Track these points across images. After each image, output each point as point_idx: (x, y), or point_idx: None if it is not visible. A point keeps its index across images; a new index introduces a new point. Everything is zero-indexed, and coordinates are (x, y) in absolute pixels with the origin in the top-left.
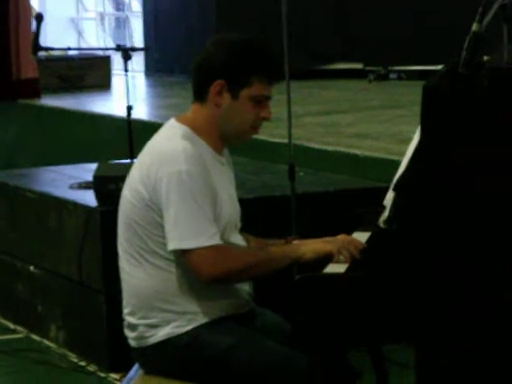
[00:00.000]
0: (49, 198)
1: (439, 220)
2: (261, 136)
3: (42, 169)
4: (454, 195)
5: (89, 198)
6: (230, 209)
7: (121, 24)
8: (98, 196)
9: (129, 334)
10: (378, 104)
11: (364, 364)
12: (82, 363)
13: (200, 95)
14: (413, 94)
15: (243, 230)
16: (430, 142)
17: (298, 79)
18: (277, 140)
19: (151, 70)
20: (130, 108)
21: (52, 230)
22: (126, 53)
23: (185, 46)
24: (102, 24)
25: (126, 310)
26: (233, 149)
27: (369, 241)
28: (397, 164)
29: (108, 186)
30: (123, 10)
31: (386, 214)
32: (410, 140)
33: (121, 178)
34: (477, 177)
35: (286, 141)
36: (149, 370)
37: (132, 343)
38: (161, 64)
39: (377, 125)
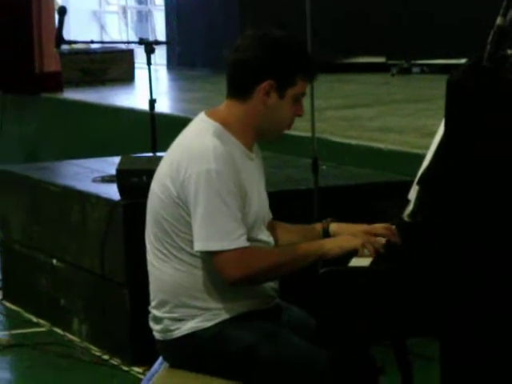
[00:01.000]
0: (72, 191)
1: (464, 213)
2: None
3: (65, 162)
4: (478, 188)
5: (112, 192)
6: (259, 206)
7: (143, 17)
8: (121, 189)
9: (154, 326)
10: (401, 98)
11: (387, 358)
12: (105, 357)
13: (242, 93)
14: (436, 87)
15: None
16: (453, 136)
17: (320, 73)
18: (300, 134)
19: (173, 63)
20: (153, 101)
21: (75, 223)
22: (149, 46)
23: (207, 40)
24: (125, 17)
25: (152, 303)
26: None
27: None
28: (420, 158)
29: (131, 180)
30: (145, 4)
31: (410, 207)
32: (433, 134)
33: (144, 172)
34: (500, 170)
35: (309, 134)
36: (173, 363)
37: (157, 336)
38: (183, 57)
39: (400, 118)
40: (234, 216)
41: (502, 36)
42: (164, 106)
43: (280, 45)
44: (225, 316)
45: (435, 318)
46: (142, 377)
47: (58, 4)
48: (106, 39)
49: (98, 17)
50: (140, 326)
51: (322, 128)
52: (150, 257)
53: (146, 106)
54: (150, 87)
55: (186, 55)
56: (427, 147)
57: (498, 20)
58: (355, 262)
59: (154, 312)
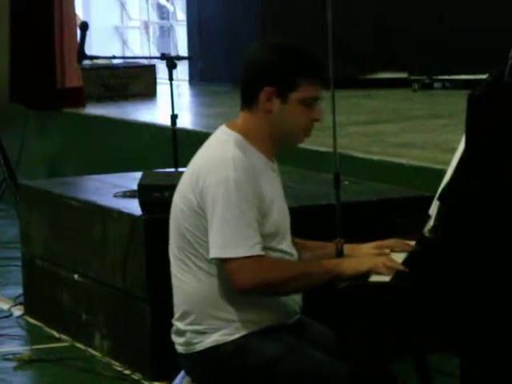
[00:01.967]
0: (93, 206)
1: (490, 233)
2: (306, 145)
3: (87, 177)
4: (505, 209)
5: (133, 207)
6: (280, 216)
7: (165, 33)
8: (143, 204)
9: (176, 339)
10: (423, 113)
11: (408, 373)
12: (127, 372)
13: (249, 103)
14: (457, 103)
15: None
16: (475, 152)
17: (341, 88)
18: (322, 149)
19: (195, 78)
20: (174, 117)
21: (96, 238)
22: (171, 62)
23: (229, 55)
24: (147, 33)
25: (175, 315)
26: (277, 157)
27: (414, 249)
28: (442, 173)
29: (153, 195)
30: (168, 19)
31: (431, 222)
32: (455, 149)
33: (165, 187)
34: None
35: (330, 150)
36: (195, 377)
37: (179, 349)
38: (205, 73)
39: (422, 134)
40: (251, 224)
41: None
42: (186, 122)
43: (276, 50)
44: (248, 330)
45: (456, 334)
46: None
47: (80, 19)
48: (128, 54)
49: (120, 32)
50: (161, 341)
51: (343, 143)
52: (174, 269)
53: (167, 122)
54: (172, 102)
55: (208, 70)
56: (449, 163)
57: None
58: (375, 277)
59: (177, 324)
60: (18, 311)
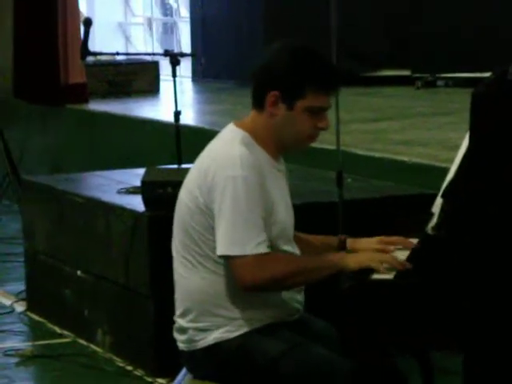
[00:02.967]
0: (97, 202)
1: (492, 235)
2: None
3: (90, 173)
4: (500, 211)
5: (136, 203)
6: (285, 216)
7: (168, 29)
8: (146, 201)
9: (178, 337)
10: (426, 111)
11: (410, 369)
12: (129, 368)
13: (257, 103)
14: (461, 101)
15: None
16: (478, 152)
17: (344, 86)
18: (325, 146)
19: (198, 75)
20: (178, 113)
21: (99, 234)
22: (174, 58)
23: (232, 52)
24: (150, 29)
25: (177, 312)
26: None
27: (417, 247)
28: (445, 171)
29: (156, 191)
30: (171, 16)
31: (434, 220)
32: (458, 147)
33: (169, 183)
34: None
35: (333, 147)
36: (197, 374)
37: (181, 346)
38: (208, 70)
39: (425, 132)
40: (258, 223)
41: None
42: (189, 118)
43: (292, 55)
44: (250, 327)
45: (459, 332)
46: None
47: (83, 16)
48: (132, 51)
49: (123, 28)
50: (164, 337)
51: (346, 141)
52: (177, 265)
53: (170, 118)
54: (175, 99)
55: (211, 67)
56: (452, 160)
57: None
58: (378, 274)
59: (179, 321)
60: (20, 307)
